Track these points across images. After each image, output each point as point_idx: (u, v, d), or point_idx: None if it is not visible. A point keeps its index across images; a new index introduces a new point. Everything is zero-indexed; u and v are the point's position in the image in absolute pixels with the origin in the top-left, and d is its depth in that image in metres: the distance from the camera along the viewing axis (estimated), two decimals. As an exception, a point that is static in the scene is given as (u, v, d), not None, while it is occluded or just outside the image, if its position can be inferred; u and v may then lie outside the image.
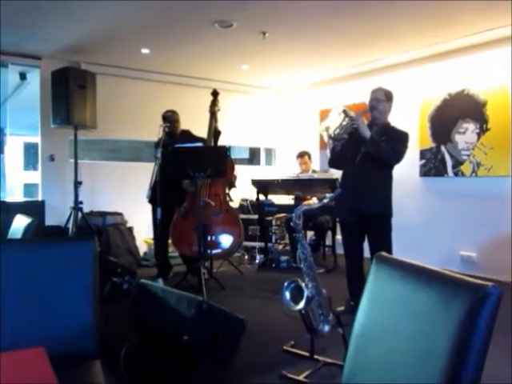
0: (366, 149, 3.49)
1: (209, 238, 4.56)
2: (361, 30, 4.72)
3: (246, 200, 6.63)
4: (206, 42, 5.06)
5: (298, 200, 5.80)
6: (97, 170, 6.06)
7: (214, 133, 4.97)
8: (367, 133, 3.45)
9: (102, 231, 5.38)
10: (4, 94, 5.97)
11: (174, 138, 4.84)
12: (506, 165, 4.85)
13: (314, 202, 5.70)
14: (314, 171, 6.19)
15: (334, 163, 3.88)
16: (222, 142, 5.11)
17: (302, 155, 6.23)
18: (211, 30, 4.66)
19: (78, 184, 5.08)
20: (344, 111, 3.62)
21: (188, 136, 4.95)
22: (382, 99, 3.62)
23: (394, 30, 4.72)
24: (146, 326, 2.80)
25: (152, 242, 5.76)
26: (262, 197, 5.91)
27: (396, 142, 3.53)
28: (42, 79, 5.64)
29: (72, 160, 5.25)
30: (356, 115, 3.54)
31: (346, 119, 3.53)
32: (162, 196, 4.42)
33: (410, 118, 5.51)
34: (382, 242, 3.50)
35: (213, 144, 4.96)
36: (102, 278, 2.84)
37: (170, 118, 4.89)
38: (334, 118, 6.59)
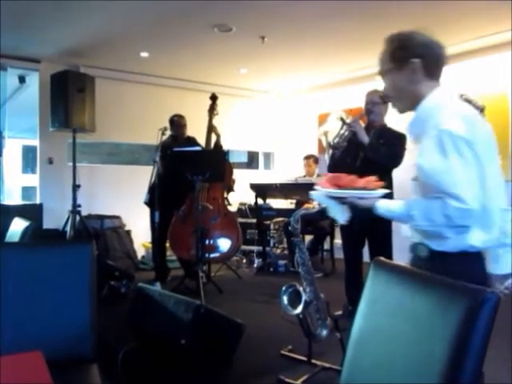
0: (365, 154, 3.49)
1: (207, 241, 4.56)
2: (359, 34, 4.74)
3: (245, 204, 6.63)
4: (205, 45, 5.08)
5: (299, 204, 5.81)
6: (95, 173, 6.06)
7: (215, 146, 4.95)
8: (365, 138, 3.46)
9: (99, 234, 5.38)
10: (3, 97, 5.97)
11: (178, 142, 4.84)
12: (505, 170, 4.85)
13: (314, 206, 5.71)
14: (319, 175, 6.19)
15: (333, 169, 3.88)
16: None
17: (308, 158, 6.25)
18: (210, 34, 4.68)
19: (76, 187, 5.08)
20: (341, 119, 3.63)
21: (193, 143, 4.93)
22: (377, 102, 3.61)
23: (392, 35, 4.74)
24: (144, 330, 2.80)
25: (150, 245, 5.75)
26: (260, 201, 5.91)
27: (395, 144, 3.53)
28: (40, 82, 5.64)
29: (70, 163, 5.25)
30: (353, 121, 3.55)
31: (344, 127, 3.54)
32: (160, 199, 4.41)
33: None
34: (384, 246, 3.51)
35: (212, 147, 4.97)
36: (99, 282, 2.84)
37: (177, 123, 4.91)
38: (333, 123, 6.61)
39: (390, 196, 1.62)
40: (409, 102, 1.64)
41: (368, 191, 1.62)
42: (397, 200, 1.61)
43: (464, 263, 1.48)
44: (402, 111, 1.71)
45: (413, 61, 1.57)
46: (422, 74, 1.58)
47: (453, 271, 1.29)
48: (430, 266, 1.48)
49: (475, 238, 1.47)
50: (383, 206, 1.60)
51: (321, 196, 1.68)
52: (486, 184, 1.47)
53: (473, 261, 1.50)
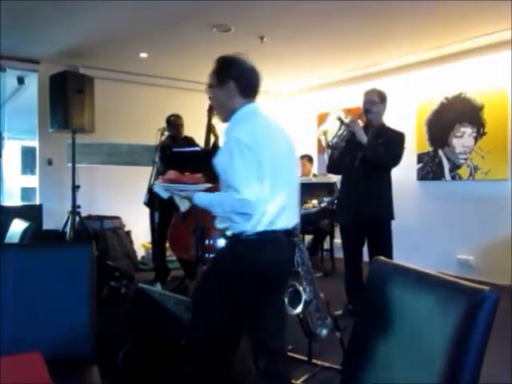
0: (364, 154, 3.49)
1: (207, 241, 4.55)
2: (359, 34, 4.74)
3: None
4: (204, 46, 5.08)
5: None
6: (95, 173, 6.05)
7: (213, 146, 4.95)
8: (364, 138, 3.45)
9: (99, 235, 5.37)
10: (2, 98, 5.97)
11: (176, 142, 4.84)
12: (503, 168, 4.87)
13: (313, 205, 5.71)
14: (314, 175, 6.19)
15: (332, 169, 3.88)
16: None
17: (301, 158, 6.26)
18: (209, 35, 4.68)
19: (75, 188, 5.06)
20: (339, 119, 3.62)
21: (191, 143, 4.93)
22: (376, 101, 3.61)
23: (391, 34, 4.74)
24: (144, 331, 2.80)
25: (150, 245, 5.75)
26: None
27: (393, 144, 3.53)
28: (40, 83, 5.64)
29: (70, 164, 5.24)
30: (351, 121, 3.54)
31: (342, 127, 3.54)
32: (159, 200, 4.40)
33: (407, 121, 5.52)
34: (385, 245, 3.51)
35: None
36: (99, 282, 2.84)
37: (174, 123, 4.89)
38: (332, 122, 6.61)
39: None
40: (226, 113, 2.02)
41: (187, 185, 2.00)
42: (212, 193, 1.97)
43: (252, 245, 1.87)
44: (222, 121, 2.08)
45: (229, 81, 1.94)
46: (236, 93, 1.96)
47: (242, 251, 1.85)
48: (227, 249, 1.97)
49: (253, 224, 1.84)
50: (198, 196, 1.95)
51: (158, 188, 2.05)
52: (265, 183, 1.82)
53: (259, 244, 1.88)
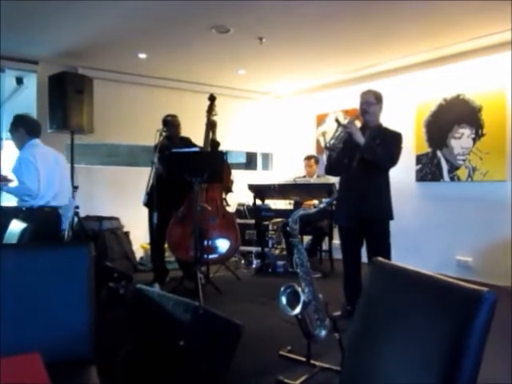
0: (362, 155, 3.49)
1: (205, 242, 4.55)
2: (358, 36, 4.75)
3: (243, 205, 6.63)
4: (203, 47, 5.08)
5: (297, 204, 5.81)
6: (93, 174, 6.05)
7: (212, 142, 4.96)
8: (361, 139, 3.46)
9: (98, 236, 5.37)
10: (1, 99, 5.95)
11: (173, 142, 4.83)
12: (502, 169, 4.87)
13: (313, 204, 5.71)
14: (318, 176, 6.20)
15: (330, 171, 3.89)
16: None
17: (309, 158, 6.28)
18: (208, 36, 4.68)
19: (74, 188, 5.06)
20: (336, 121, 3.63)
21: (188, 143, 4.93)
22: (372, 102, 3.62)
23: (390, 35, 4.75)
24: (142, 331, 2.79)
25: (148, 246, 5.74)
26: (258, 201, 5.92)
27: (390, 144, 3.53)
28: (38, 84, 5.63)
29: (68, 164, 5.23)
30: (348, 122, 3.55)
31: (340, 128, 3.54)
32: (158, 200, 4.41)
33: (405, 123, 5.53)
34: (383, 246, 3.51)
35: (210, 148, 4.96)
36: (98, 283, 2.83)
37: (171, 123, 4.89)
38: (331, 123, 6.61)
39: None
40: (21, 146, 3.77)
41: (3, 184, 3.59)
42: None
43: (35, 214, 3.51)
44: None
45: (20, 129, 3.66)
46: (25, 135, 3.70)
47: (33, 217, 3.34)
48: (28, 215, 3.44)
49: (36, 201, 3.58)
50: (7, 188, 3.69)
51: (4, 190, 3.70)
52: (41, 182, 3.53)
53: (40, 212, 3.58)
